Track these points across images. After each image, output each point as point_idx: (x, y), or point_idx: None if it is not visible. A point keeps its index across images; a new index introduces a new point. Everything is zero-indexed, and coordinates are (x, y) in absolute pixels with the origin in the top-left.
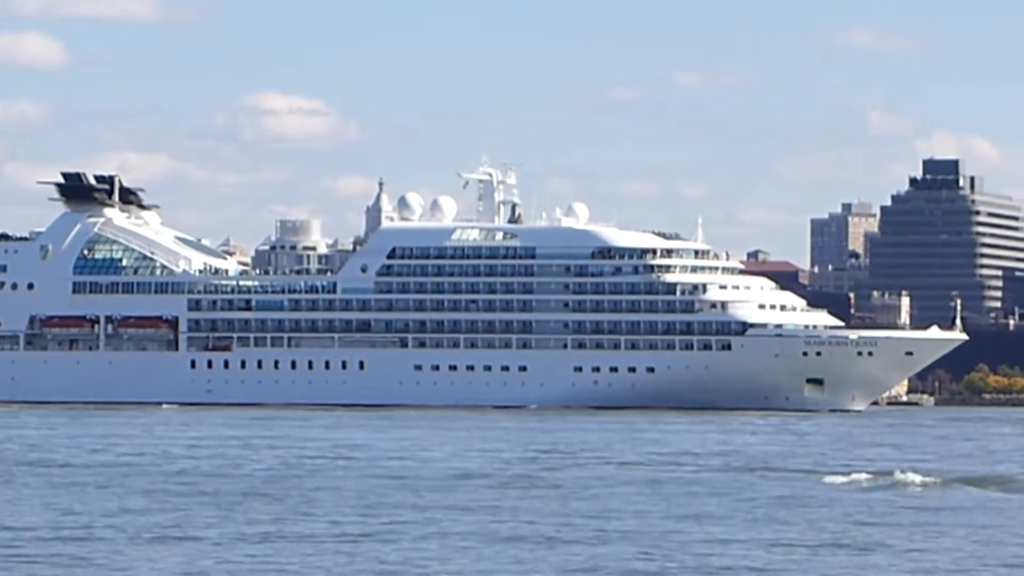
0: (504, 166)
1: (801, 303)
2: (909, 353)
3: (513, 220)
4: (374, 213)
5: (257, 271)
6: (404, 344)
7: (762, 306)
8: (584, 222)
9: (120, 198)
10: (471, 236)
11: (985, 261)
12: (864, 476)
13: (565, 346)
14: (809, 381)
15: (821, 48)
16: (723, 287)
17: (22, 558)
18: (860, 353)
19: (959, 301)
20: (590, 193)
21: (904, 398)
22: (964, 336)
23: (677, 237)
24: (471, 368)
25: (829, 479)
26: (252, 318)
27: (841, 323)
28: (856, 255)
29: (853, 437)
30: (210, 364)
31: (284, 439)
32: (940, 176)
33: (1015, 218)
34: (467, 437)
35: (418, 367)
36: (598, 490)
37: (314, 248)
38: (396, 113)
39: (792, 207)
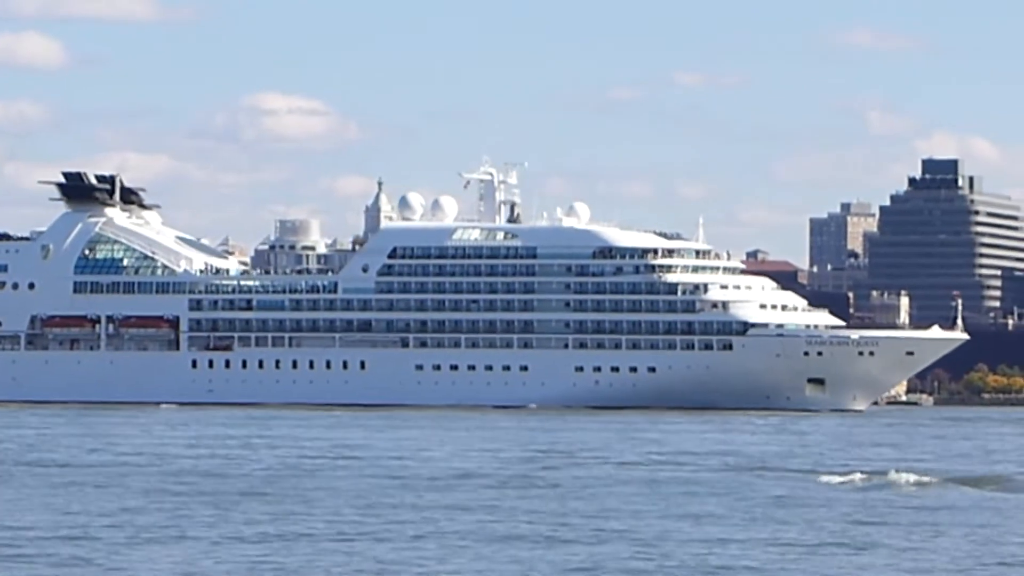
0: (505, 166)
1: (802, 303)
2: (910, 353)
3: (513, 220)
4: (373, 213)
5: (257, 271)
6: (405, 344)
7: (763, 306)
8: (585, 222)
9: (121, 198)
10: (472, 236)
11: (984, 261)
12: (858, 476)
13: (566, 346)
14: (810, 381)
15: (821, 48)
16: (724, 287)
17: (22, 558)
18: (861, 353)
19: (960, 301)
20: (590, 193)
21: (903, 398)
22: (965, 336)
23: (678, 237)
24: (472, 368)
25: (827, 479)
26: (253, 318)
27: (842, 323)
28: (855, 255)
29: (852, 437)
30: (211, 364)
31: (284, 439)
32: (939, 176)
33: (1014, 218)
34: (467, 437)
35: (419, 367)
36: (596, 490)
37: (313, 248)
38: (396, 113)
39: (791, 207)
